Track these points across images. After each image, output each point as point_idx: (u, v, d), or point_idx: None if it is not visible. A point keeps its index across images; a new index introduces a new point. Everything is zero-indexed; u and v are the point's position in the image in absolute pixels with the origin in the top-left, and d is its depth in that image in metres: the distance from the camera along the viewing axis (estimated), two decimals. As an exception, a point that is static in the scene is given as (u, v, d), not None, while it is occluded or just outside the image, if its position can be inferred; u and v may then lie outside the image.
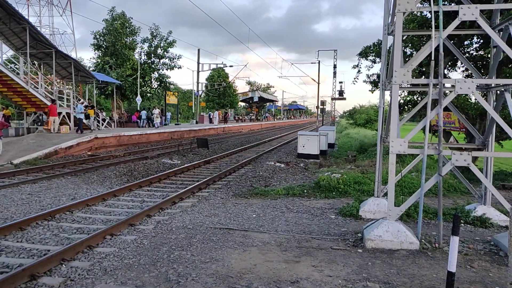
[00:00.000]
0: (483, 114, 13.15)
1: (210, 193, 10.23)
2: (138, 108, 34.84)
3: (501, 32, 6.88)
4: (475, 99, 12.04)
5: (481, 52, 13.72)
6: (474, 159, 12.44)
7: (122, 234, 6.54)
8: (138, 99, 34.47)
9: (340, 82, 41.70)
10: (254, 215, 7.88)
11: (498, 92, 7.25)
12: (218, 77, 59.64)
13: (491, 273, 4.99)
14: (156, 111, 30.94)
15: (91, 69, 34.67)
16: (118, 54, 34.75)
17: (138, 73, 34.50)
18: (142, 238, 6.26)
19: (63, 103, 22.38)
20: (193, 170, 14.05)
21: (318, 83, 40.33)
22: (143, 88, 36.71)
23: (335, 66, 43.09)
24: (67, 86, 28.52)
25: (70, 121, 22.40)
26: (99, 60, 35.40)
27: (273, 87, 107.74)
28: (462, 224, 7.21)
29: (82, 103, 23.98)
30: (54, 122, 20.43)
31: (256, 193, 10.04)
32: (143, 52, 37.27)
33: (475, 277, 4.85)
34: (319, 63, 41.52)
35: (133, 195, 9.81)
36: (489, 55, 9.70)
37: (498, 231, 6.84)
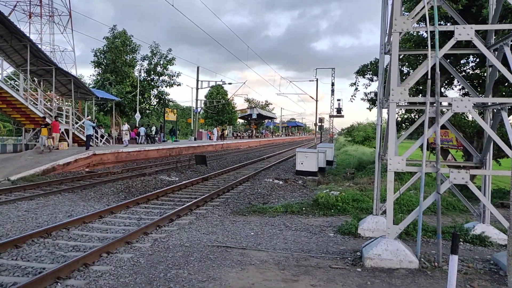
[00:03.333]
0: (480, 132, 13.21)
1: (208, 210, 10.17)
2: (137, 125, 34.91)
3: (496, 52, 6.99)
4: (472, 117, 12.13)
5: (477, 71, 13.88)
6: (472, 177, 12.45)
7: (118, 252, 6.46)
8: (137, 115, 34.57)
9: (338, 100, 42.06)
10: (252, 233, 7.82)
11: (495, 110, 7.31)
12: (217, 94, 60.03)
13: (491, 293, 4.93)
14: (125, 127, 27.95)
15: (91, 86, 34.87)
16: (118, 71, 35.02)
17: (138, 90, 34.71)
18: (138, 256, 6.19)
19: (62, 120, 22.42)
20: (191, 187, 14.00)
21: (316, 101, 40.63)
22: (142, 105, 36.85)
23: (333, 84, 43.49)
24: (66, 103, 28.64)
25: (68, 138, 22.40)
26: (99, 77, 35.64)
27: (272, 104, 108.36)
28: (461, 243, 7.16)
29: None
30: (55, 138, 20.44)
31: (254, 211, 9.99)
32: (143, 69, 37.59)
33: (476, 297, 4.79)
34: (317, 81, 41.88)
35: (130, 212, 9.75)
36: (485, 74, 9.82)
37: (498, 250, 6.79)
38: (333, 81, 43.53)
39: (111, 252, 6.41)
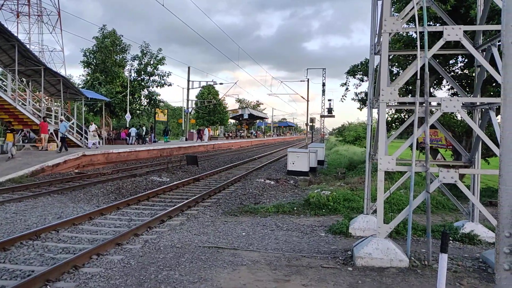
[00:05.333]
0: (469, 131, 13.37)
1: (199, 211, 10.13)
2: (127, 125, 34.66)
3: (484, 52, 7.08)
4: (461, 117, 12.28)
5: (466, 71, 14.04)
6: (461, 176, 12.60)
7: (108, 254, 6.41)
8: (128, 116, 34.33)
9: (329, 100, 42.10)
10: (243, 233, 7.81)
11: (483, 110, 7.41)
12: (208, 94, 59.84)
13: (480, 290, 4.99)
14: (92, 127, 25.60)
15: (80, 86, 34.54)
16: (107, 71, 34.74)
17: (128, 90, 34.47)
18: (129, 258, 6.14)
19: (51, 121, 22.17)
20: (182, 188, 13.94)
21: (308, 101, 40.79)
22: (132, 105, 36.60)
23: (324, 84, 43.65)
24: (55, 103, 28.32)
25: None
26: (88, 77, 35.32)
27: (263, 104, 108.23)
28: (451, 241, 7.24)
29: (68, 120, 23.69)
30: (44, 139, 20.20)
31: (245, 211, 9.98)
32: (133, 69, 37.34)
33: (465, 295, 4.84)
34: (308, 81, 42.04)
35: (120, 213, 9.67)
36: (473, 74, 9.94)
37: (486, 248, 6.88)
38: (324, 81, 43.72)
39: (101, 254, 6.35)
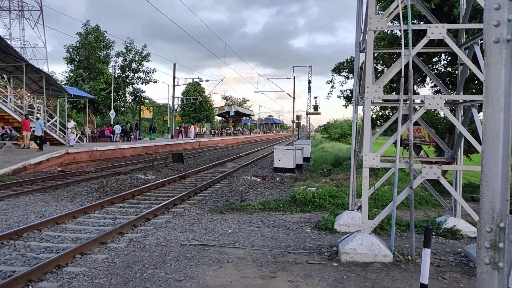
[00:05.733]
0: (451, 128, 13.60)
1: (185, 208, 10.07)
2: (112, 123, 34.22)
3: (467, 50, 7.20)
4: (444, 114, 12.48)
5: (449, 69, 14.27)
6: (444, 172, 12.82)
7: (93, 253, 6.32)
8: (112, 113, 33.86)
9: (315, 97, 42.34)
10: (230, 231, 7.80)
11: (466, 107, 7.54)
12: (194, 91, 59.46)
13: (462, 284, 5.09)
14: (71, 124, 24.46)
15: (63, 83, 33.92)
16: (91, 68, 34.19)
17: (112, 87, 34.00)
18: (113, 257, 6.07)
19: (33, 118, 21.73)
20: (168, 186, 13.84)
21: (294, 98, 40.86)
22: (117, 102, 36.12)
23: (309, 82, 43.84)
24: (37, 100, 27.76)
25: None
26: (71, 74, 34.70)
27: (249, 101, 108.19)
28: (434, 236, 7.36)
29: (51, 117, 23.20)
30: (26, 137, 19.78)
31: (232, 208, 9.97)
32: (117, 66, 36.82)
33: (447, 289, 4.94)
34: (294, 78, 42.13)
35: (105, 212, 9.55)
36: (456, 72, 10.10)
37: (468, 242, 7.02)
38: (310, 78, 43.92)
39: (85, 253, 6.26)
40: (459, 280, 5.23)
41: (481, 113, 7.93)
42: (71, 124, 24.66)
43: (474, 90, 12.26)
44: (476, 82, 12.19)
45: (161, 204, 9.80)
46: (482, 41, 7.02)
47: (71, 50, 34.40)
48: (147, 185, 12.98)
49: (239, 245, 6.80)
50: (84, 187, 12.79)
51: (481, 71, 6.17)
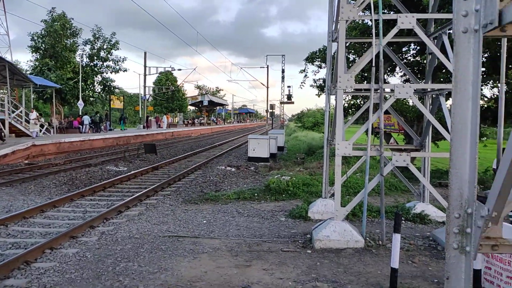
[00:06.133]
0: (420, 116, 13.98)
1: (158, 200, 9.94)
2: (80, 113, 33.19)
3: (436, 40, 7.37)
4: (413, 103, 12.81)
5: (418, 58, 14.61)
6: (413, 159, 13.20)
7: (63, 248, 6.15)
8: (80, 103, 32.82)
9: (289, 87, 42.51)
10: (204, 221, 7.76)
11: (434, 96, 7.75)
12: (166, 80, 58.42)
13: (430, 267, 5.29)
14: (33, 115, 23.21)
15: (28, 72, 32.46)
16: (58, 57, 32.89)
17: (80, 76, 32.89)
18: (85, 251, 5.93)
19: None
20: (141, 177, 13.60)
21: (267, 87, 40.93)
22: (85, 92, 34.99)
23: (283, 71, 43.93)
24: (1, 91, 26.52)
25: (5, 128, 20.82)
26: (37, 63, 33.27)
27: (223, 90, 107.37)
28: (403, 221, 7.59)
29: (16, 108, 22.19)
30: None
31: (206, 199, 9.92)
32: (85, 54, 35.58)
33: (416, 272, 5.12)
34: (267, 67, 42.10)
35: (74, 205, 9.29)
36: (425, 61, 10.34)
37: (436, 227, 7.29)
38: (283, 67, 43.98)
39: (55, 247, 6.08)
40: (428, 263, 5.42)
41: (448, 101, 8.19)
42: (33, 114, 23.47)
43: (442, 79, 12.62)
44: (444, 71, 12.54)
45: (134, 196, 9.63)
46: (450, 31, 7.22)
47: (36, 38, 32.92)
48: (119, 177, 12.71)
49: (214, 235, 6.79)
50: (52, 180, 12.38)
51: (449, 60, 6.34)
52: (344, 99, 13.54)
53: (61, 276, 4.96)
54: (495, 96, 13.61)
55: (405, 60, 15.03)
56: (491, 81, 13.21)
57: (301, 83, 19.07)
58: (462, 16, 1.73)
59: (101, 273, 5.06)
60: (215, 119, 79.51)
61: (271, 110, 41.57)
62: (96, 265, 5.34)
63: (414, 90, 6.51)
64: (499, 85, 9.15)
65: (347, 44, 12.94)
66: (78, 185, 11.90)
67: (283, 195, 10.17)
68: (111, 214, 8.17)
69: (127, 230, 7.04)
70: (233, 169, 15.07)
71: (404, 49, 15.18)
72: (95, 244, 6.25)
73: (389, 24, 11.08)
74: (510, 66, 12.54)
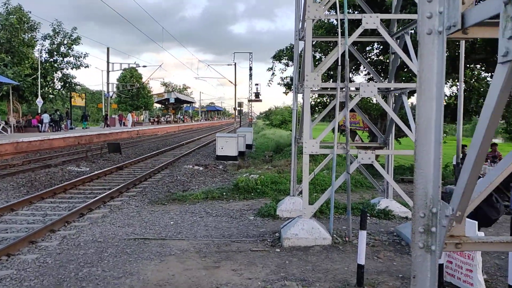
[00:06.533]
0: (383, 114, 14.38)
1: (123, 201, 9.66)
2: (39, 111, 31.77)
3: (398, 40, 7.57)
4: (376, 101, 13.14)
5: (381, 57, 15.00)
6: (377, 155, 13.56)
7: (21, 254, 5.85)
8: (39, 101, 31.36)
9: (256, 84, 42.45)
10: (172, 222, 7.61)
11: (397, 94, 7.96)
12: (131, 77, 56.88)
13: (395, 262, 5.43)
14: None
15: (-19, 68, 30.69)
16: (14, 52, 31.27)
17: (39, 73, 31.45)
18: (45, 256, 5.66)
19: None
20: (104, 178, 13.17)
21: (235, 85, 40.81)
22: (44, 89, 33.50)
23: (250, 69, 43.87)
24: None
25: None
26: (-9, 58, 31.48)
27: (190, 88, 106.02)
28: (368, 217, 7.77)
29: None
30: None
31: (174, 199, 9.74)
32: (44, 49, 34.03)
33: (382, 267, 5.23)
34: (235, 65, 41.97)
35: (34, 208, 8.86)
36: (388, 60, 10.61)
37: (400, 222, 7.50)
38: (251, 65, 43.93)
39: (12, 254, 5.77)
40: (393, 258, 5.57)
41: (410, 99, 8.45)
42: None
43: (404, 78, 13.02)
44: (406, 70, 12.94)
45: (97, 198, 9.30)
46: (412, 31, 7.43)
47: (-11, 31, 31.14)
48: (81, 177, 12.25)
49: (182, 236, 6.67)
50: (9, 182, 11.76)
51: (411, 60, 6.52)
52: (311, 97, 13.69)
53: (19, 285, 4.70)
54: (454, 94, 14.21)
55: (369, 59, 15.40)
56: (450, 79, 13.78)
57: (269, 81, 19.12)
58: (426, 17, 1.75)
59: (63, 279, 4.84)
60: (182, 117, 78.38)
61: (239, 108, 41.48)
62: (57, 271, 5.10)
63: (378, 89, 6.65)
64: (457, 83, 9.52)
65: (313, 43, 13.09)
66: (38, 186, 11.37)
67: (252, 194, 10.16)
68: (73, 217, 7.86)
69: (90, 234, 6.78)
70: (201, 168, 14.91)
71: (368, 48, 15.54)
72: (56, 249, 5.98)
73: (354, 23, 11.29)
74: (467, 66, 13.12)
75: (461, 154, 7.58)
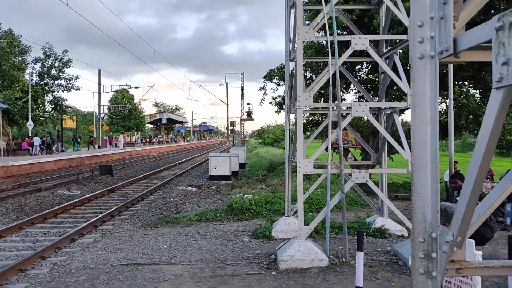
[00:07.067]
0: (375, 132, 14.48)
1: (115, 225, 9.49)
2: (30, 134, 31.49)
3: (388, 60, 7.69)
4: (368, 119, 13.25)
5: (370, 76, 15.22)
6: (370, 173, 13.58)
7: (9, 283, 5.67)
8: (30, 124, 31.13)
9: (248, 104, 42.76)
10: (165, 246, 7.47)
11: (388, 113, 8.03)
12: (122, 98, 56.93)
13: (393, 282, 5.36)
14: None
15: (-29, 91, 30.49)
16: (5, 75, 31.18)
17: (29, 96, 31.31)
18: (35, 285, 5.50)
19: None
20: (96, 201, 12.97)
21: (227, 105, 40.91)
22: (35, 112, 33.30)
23: (242, 88, 44.13)
24: None
25: None
26: (-19, 82, 31.32)
27: (182, 108, 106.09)
28: (365, 236, 7.70)
29: None
30: None
31: (167, 221, 9.59)
32: (35, 73, 33.99)
33: (380, 288, 5.16)
34: (227, 85, 42.16)
35: (24, 234, 8.66)
36: (377, 79, 10.75)
37: (396, 241, 7.45)
38: (242, 85, 44.20)
39: (0, 284, 5.58)
40: (391, 279, 5.50)
41: (401, 117, 8.52)
42: None
43: (393, 96, 13.18)
44: (395, 88, 13.11)
45: (88, 222, 9.13)
46: (400, 51, 7.56)
47: (-21, 55, 31.08)
48: (72, 201, 12.05)
49: (176, 261, 6.53)
50: (-2, 207, 11.52)
51: (400, 79, 6.61)
52: (303, 116, 13.75)
53: (6, 317, 4.54)
54: (444, 110, 14.40)
55: (358, 78, 15.60)
56: (440, 97, 13.99)
57: (261, 100, 19.26)
58: (418, 42, 1.76)
59: (52, 310, 4.68)
60: (174, 137, 78.20)
61: (231, 127, 41.53)
62: (46, 301, 4.94)
63: (370, 108, 6.71)
64: (447, 101, 9.64)
65: (304, 63, 13.25)
66: (28, 211, 11.15)
67: (246, 215, 10.05)
68: (64, 242, 7.68)
69: (82, 260, 6.62)
70: (194, 189, 14.77)
71: (357, 67, 15.77)
72: (46, 277, 5.81)
73: (343, 43, 11.47)
74: (456, 83, 13.35)
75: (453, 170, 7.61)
